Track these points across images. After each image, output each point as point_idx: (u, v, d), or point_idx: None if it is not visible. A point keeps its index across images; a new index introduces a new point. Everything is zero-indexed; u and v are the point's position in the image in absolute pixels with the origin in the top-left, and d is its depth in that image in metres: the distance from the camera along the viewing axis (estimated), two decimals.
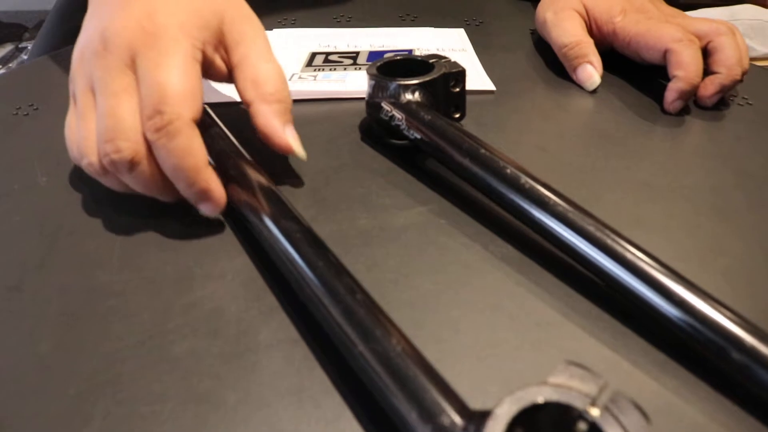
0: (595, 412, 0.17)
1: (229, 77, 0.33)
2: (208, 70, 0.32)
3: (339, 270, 0.24)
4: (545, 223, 0.28)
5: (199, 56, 0.30)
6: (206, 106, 0.33)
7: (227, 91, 0.42)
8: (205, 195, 0.29)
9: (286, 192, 0.33)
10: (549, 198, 0.28)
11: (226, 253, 0.29)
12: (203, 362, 0.24)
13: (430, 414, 0.19)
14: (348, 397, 0.23)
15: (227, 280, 0.28)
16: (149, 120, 0.28)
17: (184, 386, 0.23)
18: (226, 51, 0.32)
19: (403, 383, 0.20)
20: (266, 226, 0.27)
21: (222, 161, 0.31)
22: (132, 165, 0.28)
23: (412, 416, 0.19)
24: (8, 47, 1.76)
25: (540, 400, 0.17)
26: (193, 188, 0.28)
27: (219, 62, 0.32)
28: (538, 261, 0.29)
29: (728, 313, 0.23)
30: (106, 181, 0.30)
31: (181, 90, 0.28)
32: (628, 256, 0.26)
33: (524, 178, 0.29)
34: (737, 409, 0.23)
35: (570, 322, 0.26)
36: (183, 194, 0.29)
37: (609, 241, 0.26)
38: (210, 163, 0.29)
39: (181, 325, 0.26)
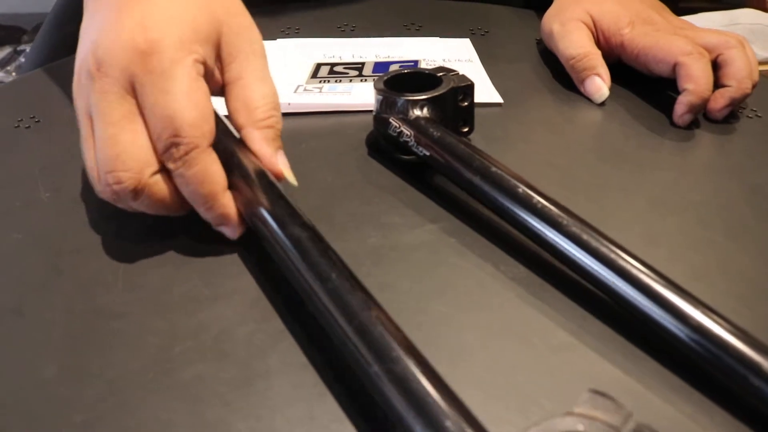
0: None
1: (222, 92, 0.32)
2: (207, 83, 0.31)
3: (353, 283, 0.23)
4: (558, 244, 0.28)
5: (202, 71, 0.29)
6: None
7: None
8: (223, 220, 0.29)
9: None
10: (562, 218, 0.28)
11: (232, 273, 0.29)
12: (211, 388, 0.24)
13: None
14: (360, 426, 0.22)
15: (234, 301, 0.27)
16: (165, 151, 0.27)
17: (192, 414, 0.23)
18: (221, 65, 0.31)
19: (421, 408, 0.19)
20: (273, 232, 0.26)
21: (228, 161, 0.30)
22: (135, 194, 0.28)
23: None
24: (6, 50, 1.76)
25: (565, 430, 0.17)
26: (212, 213, 0.29)
27: (217, 75, 0.31)
28: (551, 281, 0.29)
29: (745, 337, 0.23)
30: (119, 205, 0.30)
31: (195, 117, 0.27)
32: (642, 277, 0.25)
33: (536, 198, 0.28)
34: None
35: (584, 345, 0.26)
36: (202, 216, 0.29)
37: (622, 262, 0.26)
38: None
39: (188, 348, 0.25)
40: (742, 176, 0.37)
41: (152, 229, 0.31)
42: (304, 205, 0.33)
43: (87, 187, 0.35)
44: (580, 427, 0.17)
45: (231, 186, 0.29)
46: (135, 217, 0.31)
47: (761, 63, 1.19)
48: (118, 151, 0.27)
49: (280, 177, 0.30)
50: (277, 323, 0.26)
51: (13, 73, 1.67)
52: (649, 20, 0.45)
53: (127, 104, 0.28)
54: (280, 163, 0.30)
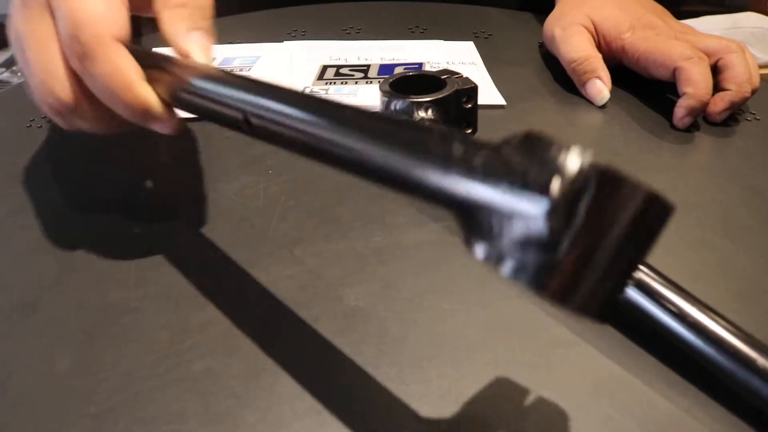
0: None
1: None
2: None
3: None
4: None
5: None
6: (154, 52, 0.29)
7: None
8: (148, 113, 0.27)
9: (297, 211, 0.33)
10: None
11: (241, 269, 0.30)
12: (221, 381, 0.24)
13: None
14: (366, 418, 0.23)
15: (243, 296, 0.28)
16: (69, 50, 0.26)
17: (203, 405, 0.23)
18: None
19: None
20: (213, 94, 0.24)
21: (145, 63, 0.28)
22: (76, 107, 0.28)
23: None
24: (11, 51, 1.77)
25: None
26: (133, 109, 0.27)
27: None
28: None
29: (741, 335, 0.24)
30: (72, 125, 0.30)
31: (94, 9, 0.26)
32: (640, 275, 0.26)
33: None
34: (750, 430, 0.23)
35: (583, 341, 0.26)
36: (130, 120, 0.28)
37: None
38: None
39: (199, 343, 0.26)
40: (741, 178, 0.38)
41: (163, 225, 0.32)
42: (310, 205, 0.34)
43: (98, 184, 0.36)
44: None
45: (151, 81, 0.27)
46: (144, 214, 0.31)
47: (763, 66, 1.20)
48: (47, 69, 0.27)
49: (186, 56, 0.28)
50: (285, 318, 0.27)
51: (19, 74, 1.68)
52: (650, 25, 0.45)
53: (46, 22, 0.27)
54: (188, 42, 0.28)
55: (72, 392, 0.24)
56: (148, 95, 0.27)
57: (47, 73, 0.27)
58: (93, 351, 0.26)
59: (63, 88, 0.27)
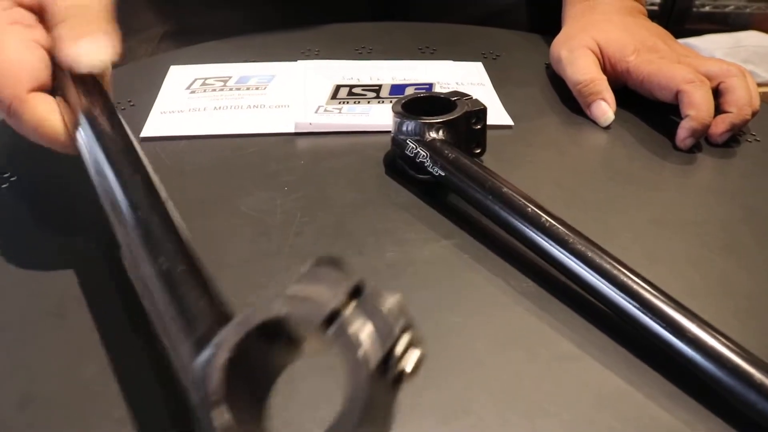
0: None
1: None
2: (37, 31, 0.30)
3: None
4: (564, 261, 0.29)
5: (17, 16, 0.29)
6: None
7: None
8: (64, 149, 0.29)
9: (313, 227, 0.35)
10: (568, 237, 0.29)
11: (259, 284, 0.31)
12: None
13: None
14: None
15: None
16: None
17: None
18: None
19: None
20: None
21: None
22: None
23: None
24: None
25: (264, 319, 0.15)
26: (54, 147, 0.29)
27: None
28: (557, 296, 0.30)
29: (738, 351, 0.25)
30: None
31: (9, 62, 0.28)
32: (642, 292, 0.27)
33: (545, 217, 0.30)
34: None
35: (587, 355, 0.27)
36: None
37: (624, 278, 0.28)
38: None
39: None
40: (741, 198, 0.39)
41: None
42: (325, 221, 0.35)
43: None
44: (284, 310, 0.14)
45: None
46: None
47: (765, 85, 1.21)
48: None
49: (76, 64, 0.28)
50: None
51: None
52: (654, 48, 0.47)
53: None
54: (71, 52, 0.28)
55: (98, 397, 0.25)
56: (64, 139, 0.28)
57: None
58: (118, 358, 0.27)
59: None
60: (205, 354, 0.15)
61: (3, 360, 0.27)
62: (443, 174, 0.35)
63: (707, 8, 1.58)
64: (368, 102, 0.46)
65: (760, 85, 1.22)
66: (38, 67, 0.29)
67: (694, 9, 1.56)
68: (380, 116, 0.44)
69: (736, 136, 0.45)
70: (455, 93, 0.39)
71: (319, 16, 0.61)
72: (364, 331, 0.14)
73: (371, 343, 0.14)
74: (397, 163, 0.39)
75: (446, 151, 0.35)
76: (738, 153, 0.44)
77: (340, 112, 0.45)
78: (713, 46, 1.22)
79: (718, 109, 0.43)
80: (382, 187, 0.38)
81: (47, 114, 0.28)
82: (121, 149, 0.26)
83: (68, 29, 0.29)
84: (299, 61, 0.53)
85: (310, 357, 0.15)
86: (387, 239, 0.34)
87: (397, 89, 0.48)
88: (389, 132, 0.39)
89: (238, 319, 0.15)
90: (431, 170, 0.35)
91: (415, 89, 0.48)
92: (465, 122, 0.37)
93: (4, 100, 0.28)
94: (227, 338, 0.15)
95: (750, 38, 1.28)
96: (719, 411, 0.25)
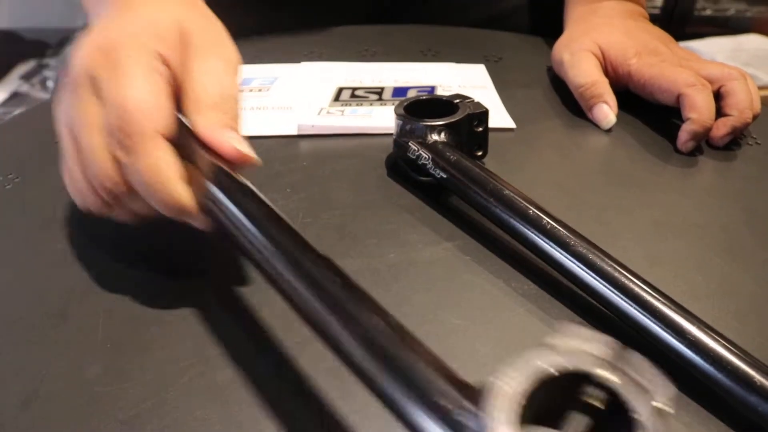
0: (610, 375, 0.15)
1: None
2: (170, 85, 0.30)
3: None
4: (565, 263, 0.29)
5: (161, 68, 0.28)
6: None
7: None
8: (181, 212, 0.28)
9: (315, 228, 0.35)
10: (570, 239, 0.30)
11: (262, 287, 0.31)
12: (244, 391, 0.26)
13: (425, 396, 0.17)
14: (382, 428, 0.24)
15: (265, 311, 0.29)
16: (114, 140, 0.27)
17: (225, 413, 0.25)
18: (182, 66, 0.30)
19: (391, 366, 0.18)
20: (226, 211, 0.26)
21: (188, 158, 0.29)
22: (116, 194, 0.28)
23: (406, 403, 0.18)
24: (31, 63, 1.82)
25: (551, 369, 0.15)
26: (166, 205, 0.27)
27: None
28: (558, 298, 0.30)
29: (739, 353, 0.25)
30: (116, 214, 0.30)
31: (142, 104, 0.27)
32: (643, 294, 0.27)
33: (546, 219, 0.30)
34: None
35: None
36: (162, 213, 0.28)
37: (625, 281, 0.28)
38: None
39: (222, 353, 0.27)
40: (742, 200, 0.39)
41: (187, 241, 0.33)
42: (327, 223, 0.35)
43: None
44: (560, 359, 0.15)
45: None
46: (171, 230, 0.33)
47: (765, 88, 1.21)
48: (90, 158, 0.28)
49: (227, 155, 0.28)
50: (304, 332, 0.28)
51: (37, 86, 1.72)
52: (656, 51, 0.47)
53: (94, 107, 0.28)
54: (223, 138, 0.28)
55: (101, 398, 0.25)
56: (182, 195, 0.27)
57: (94, 156, 0.27)
58: (121, 359, 0.27)
59: (106, 173, 0.28)
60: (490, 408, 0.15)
61: (7, 360, 0.27)
62: (445, 176, 0.35)
63: (708, 12, 1.58)
64: (371, 104, 0.46)
65: (761, 88, 1.22)
66: (170, 117, 0.28)
67: (695, 12, 1.57)
68: (382, 118, 0.44)
69: (737, 138, 0.45)
70: (457, 96, 0.39)
71: (321, 19, 0.61)
72: (636, 373, 0.15)
73: (646, 382, 0.15)
74: (399, 165, 0.39)
75: (448, 154, 0.35)
76: (739, 156, 0.44)
77: (342, 114, 0.45)
78: (714, 49, 1.22)
79: (720, 113, 0.43)
80: (384, 189, 0.39)
81: (167, 159, 0.27)
82: (282, 231, 0.25)
83: (220, 120, 0.28)
84: (302, 63, 0.53)
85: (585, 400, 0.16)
86: (389, 241, 0.34)
87: (399, 92, 0.48)
88: (391, 134, 0.39)
89: (520, 364, 0.16)
90: (433, 172, 0.35)
91: (418, 92, 0.48)
92: (467, 125, 0.37)
93: (129, 133, 0.26)
94: (514, 388, 0.15)
95: (751, 41, 1.28)
96: (719, 413, 0.25)
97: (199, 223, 0.28)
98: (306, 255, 0.23)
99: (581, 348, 0.16)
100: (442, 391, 0.17)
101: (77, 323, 0.29)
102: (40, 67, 1.80)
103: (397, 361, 0.18)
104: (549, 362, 0.16)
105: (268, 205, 0.26)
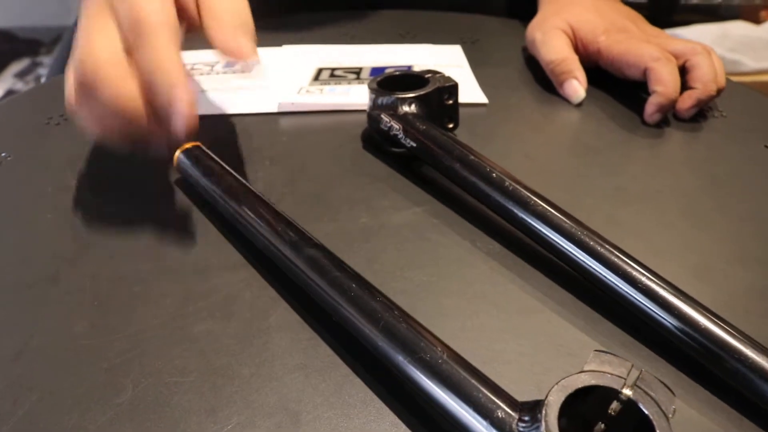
0: (628, 391, 0.20)
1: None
2: (182, 14, 0.32)
3: (372, 291, 0.26)
4: (527, 222, 0.31)
5: None
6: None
7: (218, 105, 0.45)
8: (180, 110, 0.29)
9: (292, 196, 0.36)
10: (530, 199, 0.31)
11: (240, 246, 0.33)
12: (220, 341, 0.27)
13: (486, 410, 0.21)
14: (348, 371, 0.26)
15: (240, 271, 0.31)
16: (129, 32, 0.30)
17: (203, 361, 0.26)
18: None
19: (455, 387, 0.22)
20: (287, 257, 0.29)
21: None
22: (94, 80, 0.30)
23: (468, 416, 0.21)
24: (25, 61, 1.83)
25: (582, 385, 0.20)
26: (170, 93, 0.29)
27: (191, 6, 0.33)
28: (521, 256, 0.32)
29: (676, 293, 0.26)
30: (85, 119, 0.32)
31: (157, 8, 0.30)
32: (602, 250, 0.29)
33: (508, 181, 0.32)
34: (733, 411, 0.25)
35: (549, 310, 0.29)
36: (157, 106, 0.30)
37: (584, 238, 0.29)
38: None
39: (200, 309, 0.29)
40: (704, 168, 0.40)
41: (170, 209, 0.35)
42: (304, 191, 0.37)
43: (110, 173, 0.39)
44: (594, 381, 0.20)
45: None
46: (154, 200, 0.34)
47: (751, 74, 1.23)
48: (88, 50, 0.30)
49: (236, 55, 0.31)
50: (277, 288, 0.30)
51: (32, 84, 1.73)
52: (624, 29, 0.49)
53: (102, 20, 0.31)
54: (235, 40, 0.31)
55: (87, 350, 0.27)
56: (188, 97, 0.29)
57: (91, 51, 0.30)
58: (106, 316, 0.29)
59: (98, 58, 0.30)
60: (543, 413, 0.19)
61: (1, 319, 0.29)
62: (415, 145, 0.36)
63: (695, 0, 1.60)
64: (349, 83, 0.48)
65: (746, 74, 1.24)
66: (177, 26, 0.30)
67: (682, 1, 1.58)
68: (359, 96, 0.46)
69: (703, 111, 0.46)
70: (429, 71, 0.41)
71: (303, 6, 0.62)
72: (654, 392, 0.20)
73: (662, 400, 0.20)
74: (374, 138, 0.41)
75: (417, 123, 0.37)
76: (704, 128, 0.45)
77: (321, 93, 0.46)
78: (701, 36, 1.23)
79: (685, 86, 0.45)
80: (358, 160, 0.40)
81: (178, 52, 0.30)
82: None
83: (232, 25, 0.32)
84: (284, 46, 0.54)
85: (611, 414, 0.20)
86: (361, 207, 0.35)
87: (377, 71, 0.50)
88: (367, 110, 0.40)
89: (561, 385, 0.20)
90: (404, 142, 0.37)
91: (394, 71, 0.50)
92: (437, 97, 0.39)
93: (146, 27, 0.29)
94: (556, 399, 0.20)
95: (737, 28, 1.29)
96: (668, 357, 0.27)
97: (182, 121, 0.30)
98: (374, 300, 0.26)
99: (606, 369, 0.20)
100: (498, 405, 0.21)
101: (66, 286, 0.30)
102: (34, 65, 1.81)
103: (459, 384, 0.22)
104: (581, 381, 0.20)
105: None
